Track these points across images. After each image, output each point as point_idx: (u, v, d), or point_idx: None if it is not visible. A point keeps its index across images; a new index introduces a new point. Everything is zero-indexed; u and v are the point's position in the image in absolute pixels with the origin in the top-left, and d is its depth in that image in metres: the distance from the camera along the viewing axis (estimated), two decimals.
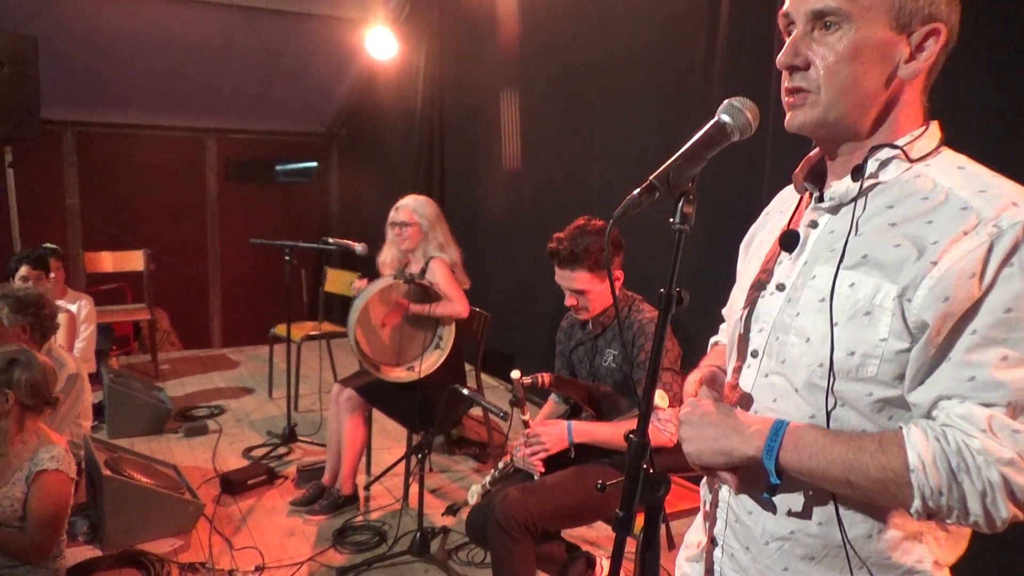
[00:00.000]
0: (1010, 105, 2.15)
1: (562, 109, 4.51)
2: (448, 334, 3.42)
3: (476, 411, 4.12)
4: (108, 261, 6.05)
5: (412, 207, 3.43)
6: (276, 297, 5.07)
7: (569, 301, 2.41)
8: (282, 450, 4.16)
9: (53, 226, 6.57)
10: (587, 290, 2.36)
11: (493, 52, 5.12)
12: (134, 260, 6.03)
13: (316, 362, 5.05)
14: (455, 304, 3.33)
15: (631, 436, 1.05)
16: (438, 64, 5.86)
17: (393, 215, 3.45)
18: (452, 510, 2.89)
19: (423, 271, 3.38)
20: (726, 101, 1.05)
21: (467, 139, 5.66)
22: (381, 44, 5.78)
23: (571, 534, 2.80)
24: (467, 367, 3.92)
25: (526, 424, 2.33)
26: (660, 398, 2.04)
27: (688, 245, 1.02)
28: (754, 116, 1.05)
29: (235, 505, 3.49)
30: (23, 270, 4.23)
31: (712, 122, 1.06)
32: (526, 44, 4.81)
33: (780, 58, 1.02)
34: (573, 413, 2.51)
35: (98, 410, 4.45)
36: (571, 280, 2.36)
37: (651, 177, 1.02)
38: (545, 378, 2.31)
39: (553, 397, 2.66)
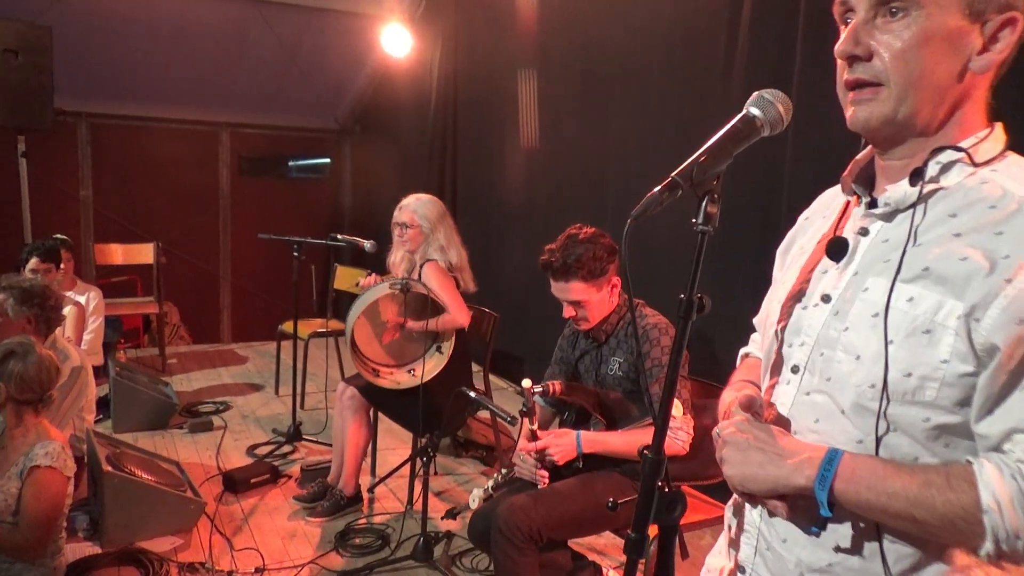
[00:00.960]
0: None
1: (578, 106, 4.44)
2: (448, 340, 3.34)
3: (484, 413, 4.06)
4: (118, 253, 6.03)
5: (413, 207, 3.31)
6: (286, 293, 5.03)
7: (567, 313, 2.34)
8: (287, 448, 4.11)
9: (65, 217, 6.57)
10: (584, 300, 2.28)
11: (509, 50, 5.06)
12: (144, 253, 6.01)
13: (324, 359, 5.00)
14: (455, 316, 3.20)
15: (645, 452, 0.98)
16: (453, 61, 5.80)
17: (396, 215, 3.35)
18: (452, 514, 2.82)
19: (418, 275, 3.27)
20: (756, 93, 0.98)
21: (481, 137, 5.60)
22: (396, 41, 5.74)
23: (577, 542, 2.73)
24: (475, 368, 3.85)
25: (534, 434, 2.26)
26: (673, 407, 1.96)
27: (693, 245, 0.94)
28: (786, 110, 0.97)
29: (237, 504, 3.44)
30: (33, 262, 4.21)
31: (740, 115, 0.98)
32: (543, 42, 4.74)
33: (839, 47, 0.94)
34: (580, 420, 2.44)
35: (104, 403, 4.42)
36: (567, 291, 2.29)
37: (673, 174, 0.95)
38: (556, 386, 2.25)
39: (539, 402, 2.58)
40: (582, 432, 2.26)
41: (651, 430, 2.23)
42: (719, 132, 0.97)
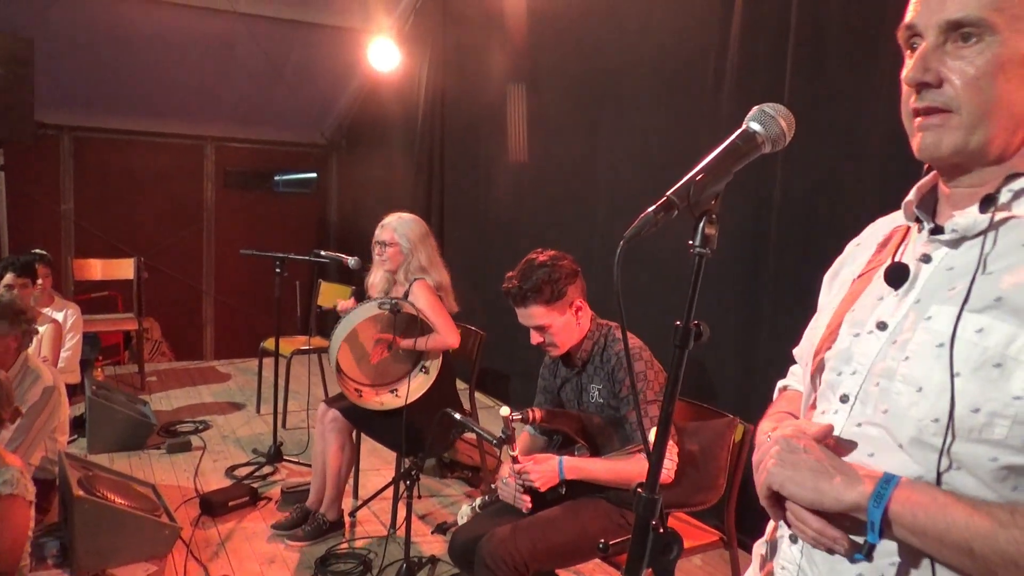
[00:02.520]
0: None
1: (567, 120, 4.40)
2: (434, 360, 3.26)
3: (470, 434, 3.97)
4: (97, 268, 5.92)
5: (394, 226, 3.25)
6: (269, 309, 4.94)
7: (534, 339, 2.30)
8: (267, 469, 4.00)
9: (45, 231, 6.47)
10: (547, 325, 2.24)
11: (497, 65, 5.03)
12: (124, 268, 5.90)
13: (306, 378, 4.91)
14: (445, 337, 3.13)
15: (640, 491, 0.91)
16: (441, 76, 5.76)
17: (377, 233, 3.28)
18: (442, 529, 2.75)
19: (406, 294, 3.19)
20: (756, 107, 0.92)
21: (468, 152, 5.55)
22: (384, 55, 5.70)
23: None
24: (461, 386, 3.78)
25: (515, 460, 2.20)
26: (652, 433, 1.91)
27: (686, 266, 0.88)
28: (789, 125, 0.92)
29: (214, 527, 3.33)
30: (8, 277, 4.10)
31: (740, 131, 0.92)
32: (532, 58, 4.71)
33: (908, 74, 0.89)
34: (564, 446, 2.37)
35: (80, 423, 4.31)
36: (529, 317, 2.25)
37: (669, 193, 0.89)
38: (536, 413, 2.19)
39: (528, 430, 2.52)
40: (564, 458, 2.20)
41: (634, 458, 2.18)
42: (717, 149, 0.92)
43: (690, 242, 0.90)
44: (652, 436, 1.92)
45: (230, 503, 3.49)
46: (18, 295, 3.77)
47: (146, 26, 5.62)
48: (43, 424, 3.10)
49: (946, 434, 0.82)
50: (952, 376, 0.82)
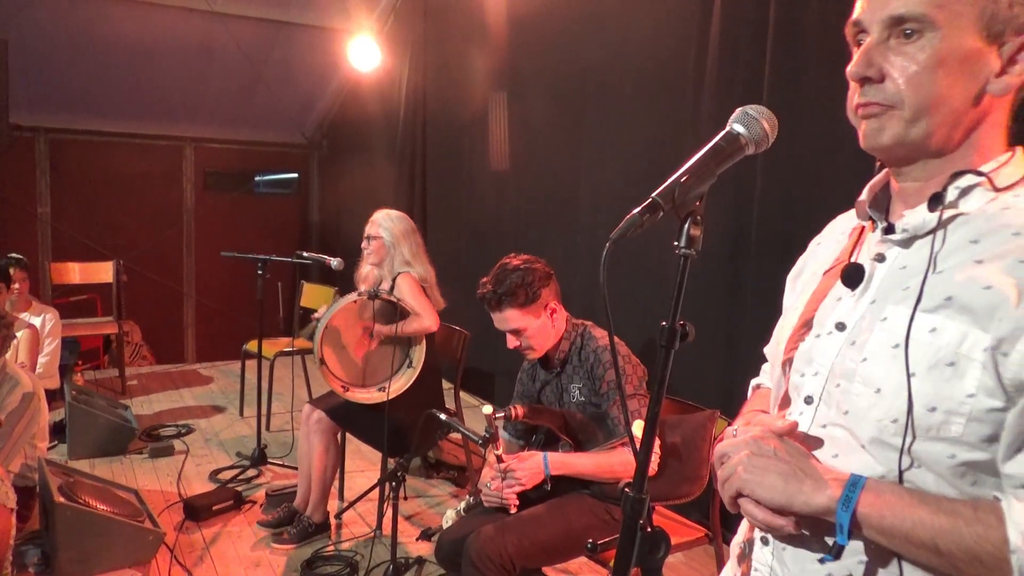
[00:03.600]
0: None
1: (549, 120, 4.41)
2: (419, 353, 3.28)
3: (455, 434, 3.97)
4: (75, 272, 5.85)
5: (379, 221, 3.34)
6: (252, 311, 4.91)
7: (511, 343, 2.32)
8: (251, 473, 3.98)
9: (22, 235, 6.38)
10: (522, 328, 2.26)
11: (478, 63, 5.02)
12: (103, 271, 5.83)
13: (290, 379, 4.88)
14: (423, 318, 3.18)
15: (627, 491, 0.92)
16: (422, 75, 5.74)
17: (367, 227, 3.38)
18: (427, 535, 2.74)
19: (391, 288, 3.25)
20: (739, 109, 0.93)
21: (451, 152, 5.54)
22: (364, 54, 5.67)
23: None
24: (446, 385, 3.77)
25: (499, 459, 2.20)
26: (637, 427, 1.92)
27: (667, 266, 0.89)
28: (772, 127, 0.93)
29: (199, 532, 3.31)
30: None
31: (723, 133, 0.93)
32: (513, 55, 4.71)
33: (851, 68, 0.90)
34: (548, 443, 2.38)
35: (60, 429, 4.26)
36: (504, 322, 2.27)
37: (654, 194, 0.89)
38: (519, 410, 2.20)
39: (503, 435, 2.52)
40: (549, 454, 2.21)
41: (619, 451, 2.19)
42: (701, 150, 0.92)
43: (675, 243, 0.90)
44: (635, 428, 1.95)
45: (214, 507, 3.46)
46: None
47: (123, 26, 5.55)
48: (23, 431, 3.06)
49: (905, 434, 0.84)
50: (908, 376, 0.83)
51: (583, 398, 2.26)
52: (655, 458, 2.14)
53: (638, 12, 3.65)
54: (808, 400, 0.97)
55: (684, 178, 0.90)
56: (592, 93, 4.01)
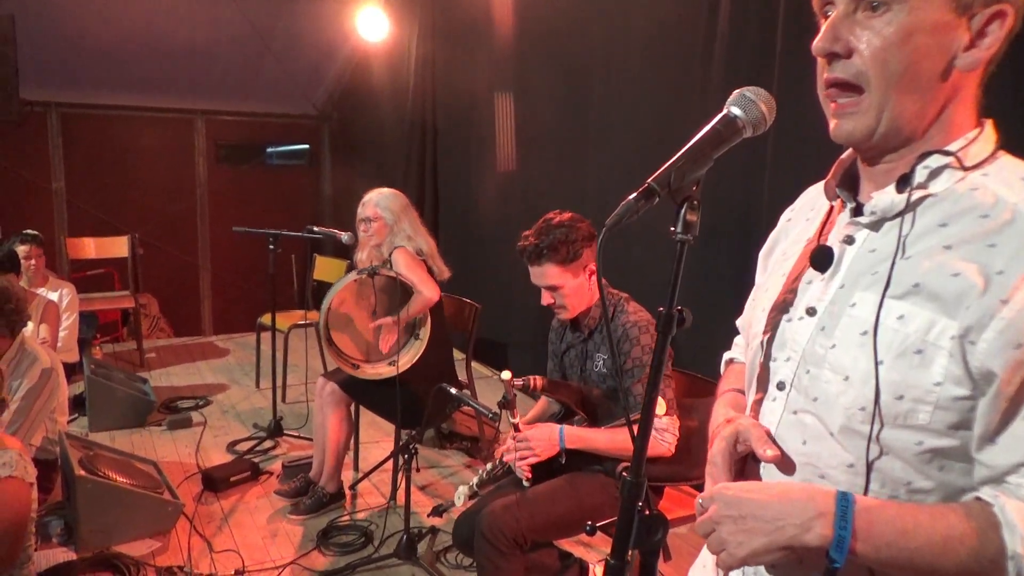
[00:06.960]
0: None
1: (558, 94, 4.36)
2: (425, 325, 3.30)
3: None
4: (91, 247, 5.90)
5: (375, 201, 3.32)
6: (266, 284, 4.94)
7: (545, 300, 2.27)
8: (268, 444, 4.04)
9: (38, 210, 6.42)
10: (559, 285, 2.22)
11: (488, 34, 4.95)
12: (118, 246, 5.88)
13: (304, 351, 4.93)
14: (423, 293, 3.18)
15: (624, 475, 0.92)
16: (431, 45, 5.68)
17: (359, 211, 3.34)
18: (438, 511, 2.77)
19: (388, 263, 3.26)
20: (737, 92, 0.91)
21: (460, 124, 5.50)
22: (372, 24, 5.61)
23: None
24: (458, 355, 3.80)
25: (516, 428, 2.21)
26: (660, 407, 1.91)
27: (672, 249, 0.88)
28: (769, 109, 0.91)
29: (217, 503, 3.37)
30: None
31: (720, 115, 0.91)
32: (523, 27, 4.64)
33: (817, 43, 0.88)
34: (565, 417, 2.38)
35: (80, 402, 4.34)
36: (542, 276, 2.23)
37: (649, 180, 0.88)
38: (537, 381, 2.18)
39: (545, 396, 2.53)
40: (564, 427, 2.21)
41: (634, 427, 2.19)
42: (698, 134, 0.91)
43: (672, 228, 0.89)
44: (658, 409, 1.93)
45: (232, 478, 3.53)
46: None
47: None
48: (42, 405, 3.12)
49: (873, 421, 0.83)
50: (876, 364, 0.82)
51: (605, 370, 2.24)
52: (673, 440, 2.13)
53: None
54: (780, 386, 0.96)
55: (680, 163, 0.89)
56: (601, 73, 3.96)
